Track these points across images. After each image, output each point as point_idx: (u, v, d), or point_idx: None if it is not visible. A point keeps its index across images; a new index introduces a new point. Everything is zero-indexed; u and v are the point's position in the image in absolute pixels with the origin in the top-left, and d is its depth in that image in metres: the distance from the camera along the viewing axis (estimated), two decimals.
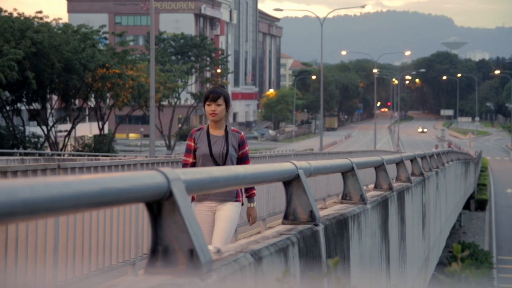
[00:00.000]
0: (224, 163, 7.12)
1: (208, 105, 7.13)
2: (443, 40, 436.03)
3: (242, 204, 7.29)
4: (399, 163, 11.83)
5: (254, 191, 7.42)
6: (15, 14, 45.47)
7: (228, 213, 7.13)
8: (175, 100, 71.01)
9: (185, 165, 7.17)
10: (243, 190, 7.32)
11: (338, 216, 6.39)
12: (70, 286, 7.71)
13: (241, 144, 7.20)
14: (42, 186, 2.58)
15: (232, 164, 7.14)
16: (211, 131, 7.17)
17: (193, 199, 7.06)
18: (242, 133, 7.24)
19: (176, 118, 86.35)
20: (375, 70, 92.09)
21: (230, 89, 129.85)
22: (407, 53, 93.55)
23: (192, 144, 7.15)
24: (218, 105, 7.13)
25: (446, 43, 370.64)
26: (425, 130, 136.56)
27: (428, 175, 15.15)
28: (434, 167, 17.61)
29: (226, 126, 7.22)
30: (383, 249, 8.58)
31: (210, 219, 7.11)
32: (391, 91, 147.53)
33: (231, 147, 7.12)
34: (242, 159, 7.22)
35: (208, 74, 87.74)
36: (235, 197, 7.20)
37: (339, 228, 6.29)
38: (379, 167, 9.64)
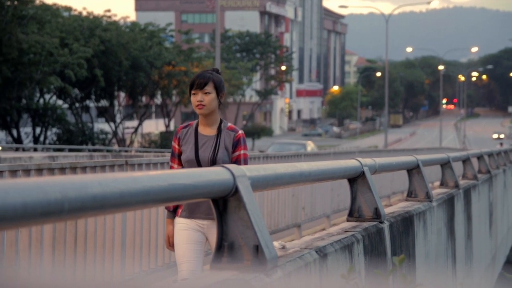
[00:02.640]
0: None
1: (194, 94, 5.49)
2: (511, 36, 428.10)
3: None
4: (465, 161, 11.70)
5: None
6: (84, 13, 46.24)
7: None
8: (240, 97, 71.26)
9: None
10: None
11: (404, 214, 6.36)
12: (137, 280, 7.82)
13: (235, 145, 5.51)
14: (111, 181, 2.62)
15: None
16: (201, 129, 5.58)
17: (176, 215, 5.62)
18: (240, 132, 5.57)
19: (241, 115, 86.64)
20: (441, 67, 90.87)
21: (295, 86, 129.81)
22: (474, 49, 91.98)
23: (177, 146, 5.60)
24: (206, 93, 5.48)
25: None
26: (501, 136, 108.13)
27: (495, 173, 14.94)
28: (501, 165, 17.35)
29: (221, 122, 5.59)
30: (449, 247, 8.50)
31: (200, 238, 5.53)
32: (457, 88, 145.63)
33: (223, 150, 5.49)
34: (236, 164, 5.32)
35: (272, 71, 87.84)
36: None
37: (405, 225, 6.26)
38: (445, 165, 9.55)
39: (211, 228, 5.45)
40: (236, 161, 5.47)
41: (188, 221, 5.51)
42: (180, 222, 5.55)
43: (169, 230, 5.64)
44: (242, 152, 5.49)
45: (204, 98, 5.45)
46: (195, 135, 5.54)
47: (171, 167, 5.63)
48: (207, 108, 5.46)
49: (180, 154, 5.56)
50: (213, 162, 5.42)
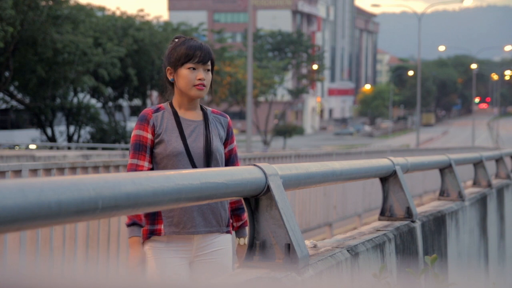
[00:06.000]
0: (206, 166, 4.15)
1: (191, 69, 4.19)
2: None
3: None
4: (498, 160, 11.62)
5: (246, 217, 4.33)
6: (118, 13, 46.52)
7: (226, 263, 4.27)
8: (272, 96, 71.26)
9: None
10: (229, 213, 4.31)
11: (436, 213, 6.34)
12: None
13: (230, 135, 4.33)
14: (144, 180, 2.65)
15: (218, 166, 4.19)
16: (182, 113, 4.23)
17: (152, 233, 4.10)
18: (228, 117, 4.43)
19: (273, 114, 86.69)
20: (473, 66, 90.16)
21: (327, 85, 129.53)
22: (507, 48, 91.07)
23: (149, 136, 4.11)
24: (208, 70, 4.27)
25: None
26: None
27: None
28: None
29: (200, 106, 4.35)
30: (482, 246, 8.45)
31: (183, 270, 4.15)
32: (490, 87, 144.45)
33: (217, 138, 4.23)
34: (231, 159, 4.32)
35: (304, 70, 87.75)
36: (227, 225, 4.27)
37: (437, 225, 6.23)
38: (478, 164, 9.49)
39: (200, 244, 4.15)
40: (231, 155, 4.33)
41: (164, 247, 4.10)
42: (163, 247, 4.11)
43: (140, 251, 4.05)
44: (235, 143, 4.38)
45: (206, 77, 4.22)
46: (176, 120, 4.18)
47: (138, 168, 4.06)
48: (207, 90, 4.25)
49: (153, 147, 4.11)
50: (207, 155, 4.13)
